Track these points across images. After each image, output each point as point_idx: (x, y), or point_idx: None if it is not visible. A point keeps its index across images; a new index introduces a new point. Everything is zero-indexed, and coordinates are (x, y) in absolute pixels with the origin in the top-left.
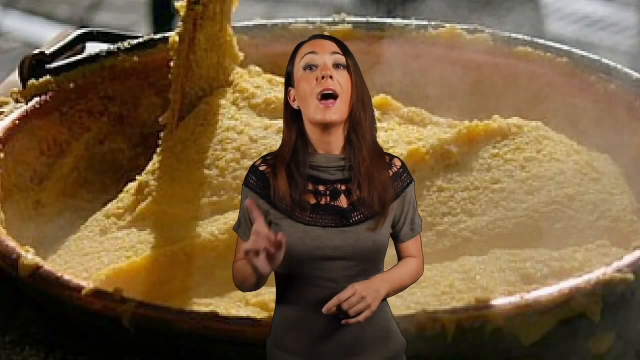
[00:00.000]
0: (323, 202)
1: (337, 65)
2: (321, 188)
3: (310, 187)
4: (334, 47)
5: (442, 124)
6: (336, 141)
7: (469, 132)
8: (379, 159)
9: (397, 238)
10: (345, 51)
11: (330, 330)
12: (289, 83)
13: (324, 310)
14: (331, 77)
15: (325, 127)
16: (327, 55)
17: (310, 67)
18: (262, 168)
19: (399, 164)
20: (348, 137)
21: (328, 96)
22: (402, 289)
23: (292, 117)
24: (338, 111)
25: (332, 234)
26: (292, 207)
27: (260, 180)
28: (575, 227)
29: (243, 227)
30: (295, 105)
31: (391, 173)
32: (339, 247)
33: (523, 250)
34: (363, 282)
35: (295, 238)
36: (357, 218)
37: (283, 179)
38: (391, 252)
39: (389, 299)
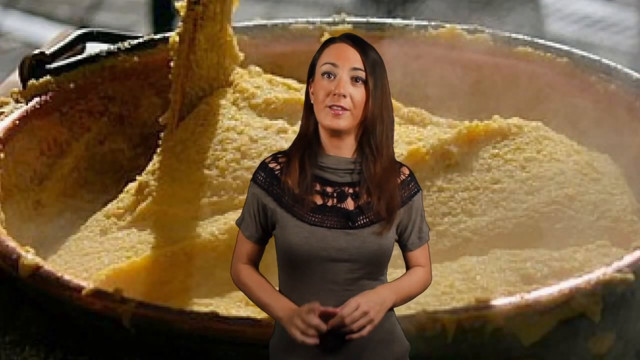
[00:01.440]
0: (330, 203)
1: (355, 79)
2: (328, 189)
3: (318, 187)
4: (356, 60)
5: (442, 124)
6: (346, 145)
7: (469, 132)
8: (390, 170)
9: (404, 246)
10: (368, 61)
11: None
12: (311, 75)
13: (328, 326)
14: (344, 96)
15: (334, 132)
16: (345, 71)
17: (328, 75)
18: (271, 165)
19: (406, 172)
20: (360, 144)
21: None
22: (409, 298)
23: (312, 108)
24: (346, 120)
25: (337, 235)
26: (297, 203)
27: (268, 177)
28: (575, 227)
29: (247, 222)
30: (313, 99)
31: (399, 180)
32: (344, 249)
33: (523, 250)
34: (367, 294)
35: (300, 237)
36: (362, 221)
37: (295, 169)
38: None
39: None
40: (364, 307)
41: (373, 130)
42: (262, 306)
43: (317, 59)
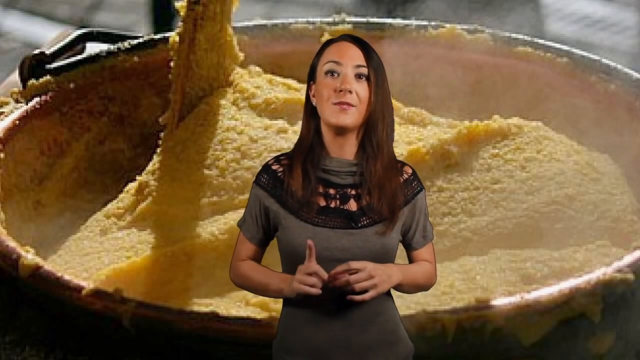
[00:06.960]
0: (332, 205)
1: (358, 76)
2: (331, 191)
3: (321, 189)
4: (359, 58)
5: (442, 124)
6: (349, 145)
7: (469, 132)
8: (391, 168)
9: (409, 245)
10: (370, 58)
11: (337, 332)
12: (312, 77)
13: (332, 274)
14: (350, 92)
15: (339, 130)
16: (349, 68)
17: (331, 73)
18: (274, 167)
19: (409, 171)
20: (362, 143)
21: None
22: (414, 285)
23: (312, 111)
24: (352, 116)
25: (340, 236)
26: (301, 206)
27: (271, 179)
28: (575, 227)
29: (248, 223)
30: (314, 102)
31: (401, 180)
32: (347, 249)
33: (523, 250)
34: (375, 264)
35: (304, 238)
36: (365, 222)
37: (298, 174)
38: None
39: None
40: (371, 270)
41: (375, 128)
42: (262, 288)
43: (318, 59)
